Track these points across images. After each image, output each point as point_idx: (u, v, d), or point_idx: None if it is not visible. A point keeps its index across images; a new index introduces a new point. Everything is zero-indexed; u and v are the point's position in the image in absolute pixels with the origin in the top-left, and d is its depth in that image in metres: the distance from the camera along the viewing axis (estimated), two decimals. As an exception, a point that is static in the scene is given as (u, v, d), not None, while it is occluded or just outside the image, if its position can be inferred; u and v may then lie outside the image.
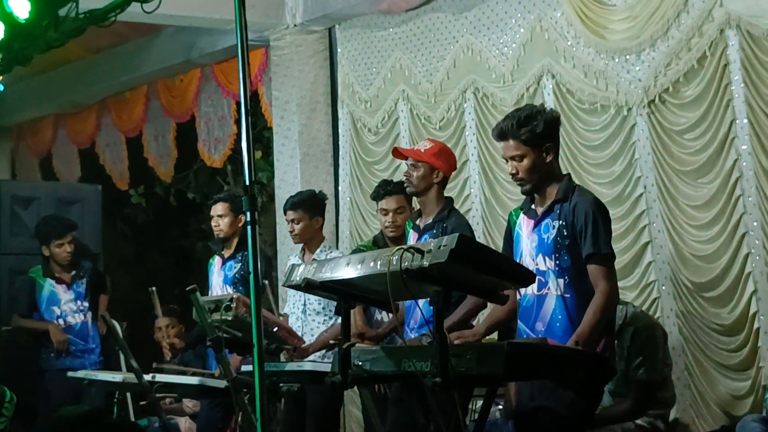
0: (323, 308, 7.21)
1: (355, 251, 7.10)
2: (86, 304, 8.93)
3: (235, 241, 7.76)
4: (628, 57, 7.27)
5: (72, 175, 13.14)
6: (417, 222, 6.28)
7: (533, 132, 5.07)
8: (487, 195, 8.26)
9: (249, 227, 4.37)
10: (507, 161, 5.20)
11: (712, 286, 6.88)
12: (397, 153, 6.60)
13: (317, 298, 6.84)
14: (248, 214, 4.41)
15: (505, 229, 5.43)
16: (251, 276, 4.38)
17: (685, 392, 6.94)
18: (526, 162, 5.10)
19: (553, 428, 4.89)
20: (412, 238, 6.24)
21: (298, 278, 4.89)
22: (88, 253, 9.42)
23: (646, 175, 7.22)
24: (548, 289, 5.02)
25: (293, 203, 7.36)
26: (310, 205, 7.36)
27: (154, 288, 8.99)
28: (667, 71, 7.05)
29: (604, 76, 7.41)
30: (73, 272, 8.95)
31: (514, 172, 5.15)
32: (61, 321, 8.83)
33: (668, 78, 7.05)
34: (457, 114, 8.52)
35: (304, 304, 7.26)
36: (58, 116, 13.29)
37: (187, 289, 5.76)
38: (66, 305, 8.85)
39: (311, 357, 6.94)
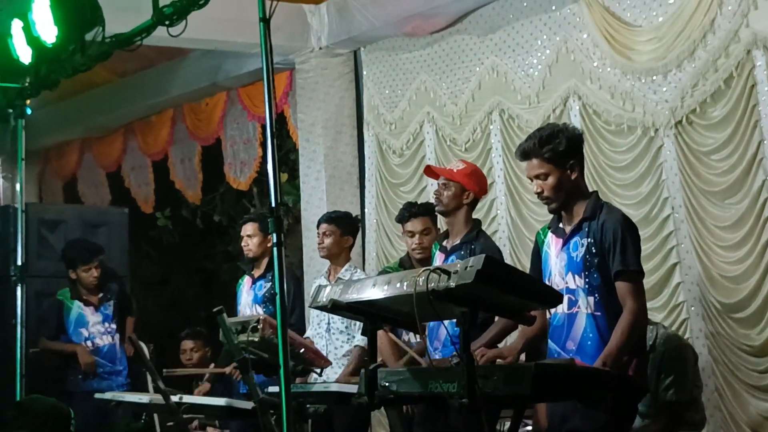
0: (346, 327, 7.25)
1: (381, 273, 7.10)
2: (113, 326, 8.94)
3: (264, 261, 7.81)
4: (654, 78, 7.25)
5: (100, 198, 13.20)
6: (444, 243, 6.27)
7: (556, 150, 5.06)
8: (514, 216, 8.25)
9: (275, 249, 4.39)
10: (532, 181, 5.19)
11: (741, 307, 6.83)
12: (430, 171, 6.63)
13: (341, 317, 6.85)
14: (274, 235, 4.44)
15: (533, 248, 5.41)
16: (278, 297, 4.40)
17: (716, 414, 6.87)
18: (550, 180, 5.09)
19: None
20: (438, 259, 6.23)
21: (324, 299, 4.88)
22: (115, 276, 9.43)
23: (673, 196, 7.19)
24: (578, 307, 4.99)
25: (329, 217, 7.52)
26: (344, 223, 7.49)
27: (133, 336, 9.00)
28: (694, 92, 7.02)
29: (630, 97, 7.39)
30: (101, 294, 8.97)
31: (539, 191, 5.14)
32: (89, 343, 8.85)
33: (695, 99, 7.02)
34: (483, 136, 8.52)
35: (328, 323, 7.31)
36: (85, 140, 13.36)
37: (214, 310, 5.75)
38: (94, 327, 8.87)
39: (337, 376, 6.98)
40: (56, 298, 8.99)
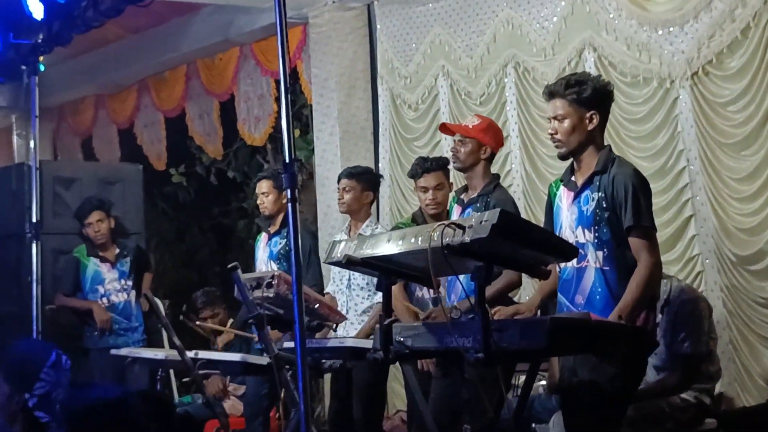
0: (367, 283, 7.22)
1: (394, 229, 7.08)
2: (130, 283, 8.95)
3: (280, 218, 7.79)
4: (671, 29, 7.18)
5: (112, 155, 13.20)
6: (461, 196, 6.27)
7: (579, 95, 5.04)
8: (528, 170, 8.22)
9: (289, 205, 4.38)
10: (550, 121, 5.16)
11: (756, 260, 6.81)
12: (445, 129, 6.62)
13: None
14: (288, 192, 4.42)
15: (546, 201, 5.39)
16: (292, 252, 4.39)
17: (730, 366, 6.86)
18: (566, 123, 5.06)
19: (596, 403, 4.86)
20: (455, 211, 6.23)
21: (338, 255, 4.87)
22: (125, 232, 9.40)
23: (688, 148, 7.15)
24: (588, 261, 4.97)
25: (349, 173, 7.46)
26: (365, 179, 7.43)
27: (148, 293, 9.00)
28: (711, 43, 6.96)
29: (646, 48, 7.33)
30: (117, 251, 8.98)
31: (553, 132, 5.12)
32: (104, 300, 8.87)
33: (711, 50, 6.96)
34: (498, 89, 8.47)
35: (349, 279, 7.28)
36: (99, 97, 13.35)
37: (229, 267, 5.76)
38: (110, 284, 8.89)
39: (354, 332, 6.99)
40: (72, 255, 9.01)
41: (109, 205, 9.05)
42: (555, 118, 5.09)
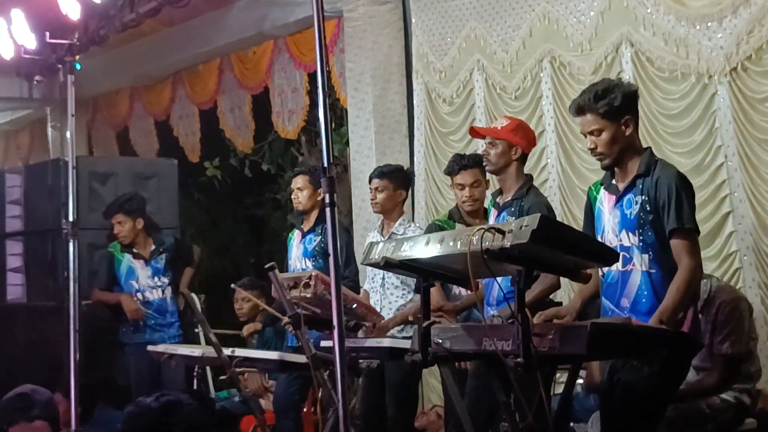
0: (401, 282, 7.23)
1: (430, 226, 7.09)
2: (165, 279, 8.98)
3: (314, 214, 7.81)
4: (709, 24, 7.12)
5: (149, 146, 13.27)
6: (497, 199, 6.25)
7: (611, 105, 5.01)
8: (564, 165, 8.18)
9: (328, 209, 4.38)
10: (586, 136, 5.14)
11: (794, 257, 6.78)
12: (474, 132, 6.58)
13: (395, 273, 6.86)
14: (327, 196, 4.42)
15: (585, 204, 5.37)
16: (331, 257, 4.40)
17: (767, 364, 6.82)
18: (604, 136, 5.04)
19: (632, 403, 4.86)
20: (492, 215, 6.23)
21: (377, 256, 4.89)
22: (155, 228, 9.38)
23: (726, 144, 7.09)
24: (633, 265, 4.96)
25: (381, 172, 7.46)
26: (397, 177, 7.44)
27: (185, 291, 9.01)
28: (750, 38, 6.89)
29: (684, 43, 7.26)
30: (153, 248, 9.01)
31: (593, 146, 5.10)
32: (139, 295, 8.90)
33: (750, 45, 6.89)
34: (534, 83, 8.42)
35: (383, 278, 7.29)
36: (134, 89, 13.40)
37: (266, 267, 5.76)
38: (144, 281, 8.92)
39: (390, 332, 6.98)
40: (107, 251, 9.06)
41: (134, 206, 9.05)
42: (591, 133, 5.07)
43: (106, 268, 9.00)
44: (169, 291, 8.98)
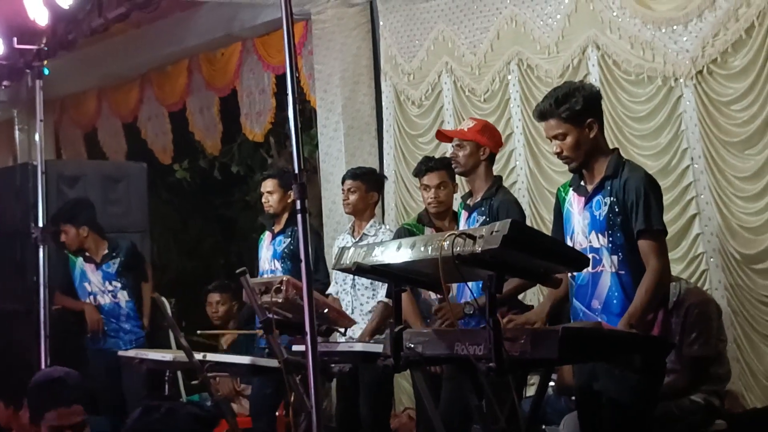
0: (371, 283, 7.25)
1: (399, 230, 7.13)
2: (117, 284, 8.81)
3: (284, 217, 7.82)
4: (675, 27, 7.18)
5: (118, 148, 13.24)
6: (467, 201, 6.30)
7: (573, 109, 5.04)
8: (532, 167, 8.23)
9: (299, 215, 4.41)
10: (551, 141, 5.18)
11: (760, 258, 6.83)
12: (441, 135, 6.62)
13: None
14: (298, 202, 4.44)
15: (554, 206, 5.40)
16: (303, 263, 4.42)
17: (734, 365, 6.86)
18: (569, 140, 5.08)
19: (619, 414, 4.88)
20: (463, 217, 6.28)
21: (348, 261, 4.90)
22: (101, 233, 9.16)
23: (693, 146, 7.16)
24: (603, 266, 4.99)
25: (354, 173, 7.53)
26: (369, 179, 7.51)
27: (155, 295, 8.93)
28: (715, 41, 6.96)
29: (650, 46, 7.33)
30: (105, 252, 8.87)
31: (558, 150, 5.13)
32: (91, 299, 8.79)
33: (716, 48, 6.96)
34: (502, 86, 8.47)
35: (353, 279, 7.30)
36: (102, 90, 13.36)
37: (237, 272, 5.77)
38: (95, 285, 8.84)
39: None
40: (64, 252, 8.97)
41: (76, 213, 8.87)
42: (555, 137, 5.10)
43: (62, 270, 8.91)
44: (123, 295, 8.83)
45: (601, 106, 5.20)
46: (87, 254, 8.84)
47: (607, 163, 5.09)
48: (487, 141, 6.25)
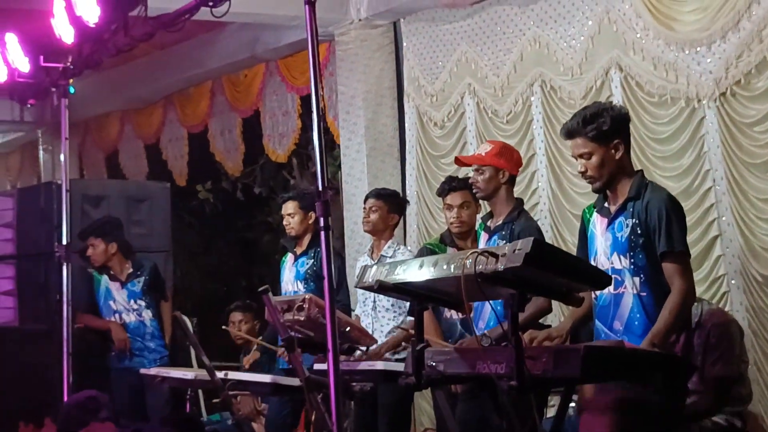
0: (392, 305, 7.27)
1: (422, 250, 7.14)
2: (142, 303, 8.88)
3: (306, 238, 7.86)
4: (698, 49, 7.16)
5: (139, 169, 13.30)
6: (488, 223, 6.30)
7: (600, 129, 5.05)
8: (555, 189, 8.22)
9: (322, 233, 4.42)
10: (576, 159, 5.18)
11: (782, 281, 6.81)
12: (460, 162, 6.63)
13: (386, 295, 6.89)
14: (321, 219, 4.46)
15: (579, 227, 5.41)
16: (326, 280, 4.44)
17: (755, 388, 6.79)
18: (594, 159, 5.08)
19: None
20: (482, 239, 6.27)
21: (370, 280, 4.91)
22: (129, 251, 9.20)
23: (715, 168, 7.13)
24: (625, 288, 5.00)
25: (378, 193, 7.59)
26: (392, 201, 7.55)
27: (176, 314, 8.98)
28: (738, 63, 6.93)
29: (674, 68, 7.31)
30: (129, 270, 8.95)
31: (583, 170, 5.14)
32: (116, 317, 8.85)
33: (739, 70, 6.93)
34: (524, 107, 8.48)
35: (374, 302, 7.33)
36: (125, 112, 13.45)
37: (260, 290, 5.78)
38: (120, 304, 8.88)
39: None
40: (87, 271, 9.03)
41: (108, 230, 8.97)
42: (581, 156, 5.11)
43: (86, 289, 8.95)
44: (148, 314, 8.90)
45: (628, 128, 5.22)
46: (111, 272, 8.88)
47: (631, 185, 5.09)
48: (505, 164, 6.25)
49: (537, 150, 8.37)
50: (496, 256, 4.27)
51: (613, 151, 5.08)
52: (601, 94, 7.78)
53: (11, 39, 7.88)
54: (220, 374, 6.48)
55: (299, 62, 10.52)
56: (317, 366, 6.33)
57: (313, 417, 5.80)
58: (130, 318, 8.86)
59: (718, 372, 6.05)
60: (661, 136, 7.47)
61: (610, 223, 5.10)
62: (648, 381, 4.65)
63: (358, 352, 6.67)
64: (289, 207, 7.86)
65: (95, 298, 8.95)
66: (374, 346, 6.96)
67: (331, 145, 10.88)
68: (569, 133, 5.15)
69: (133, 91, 12.78)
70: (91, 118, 13.77)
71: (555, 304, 6.34)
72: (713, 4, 7.05)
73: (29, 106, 9.50)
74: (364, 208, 7.53)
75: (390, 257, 7.30)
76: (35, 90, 8.17)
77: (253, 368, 8.78)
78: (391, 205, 7.48)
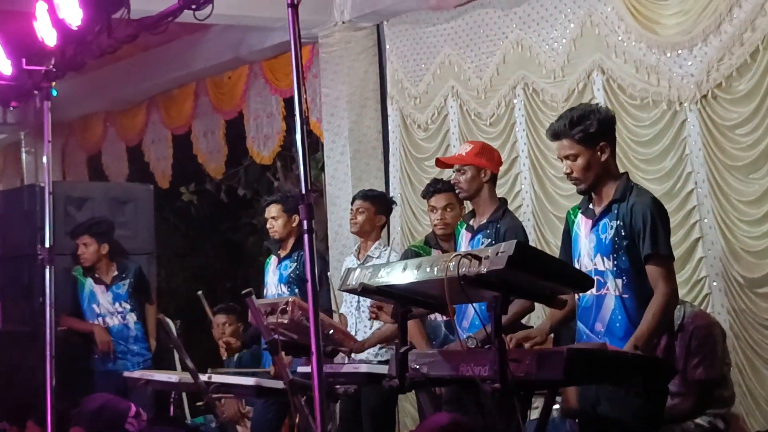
0: (376, 305, 7.27)
1: (406, 252, 7.16)
2: (127, 306, 8.89)
3: (290, 241, 7.85)
4: (680, 52, 7.20)
5: (121, 171, 13.27)
6: (470, 222, 6.30)
7: (586, 131, 5.06)
8: (538, 191, 8.25)
9: (306, 236, 4.43)
10: (562, 161, 5.20)
11: (763, 283, 6.81)
12: (441, 163, 6.65)
13: (371, 296, 6.90)
14: (305, 223, 4.46)
15: (564, 228, 5.42)
16: (309, 283, 4.44)
17: (736, 389, 6.81)
18: (580, 161, 5.09)
19: None
20: (464, 238, 6.27)
21: (354, 282, 4.92)
22: (124, 254, 9.24)
23: (697, 170, 7.17)
24: (607, 289, 5.01)
25: (365, 195, 7.58)
26: (379, 202, 7.54)
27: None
28: (720, 66, 6.97)
29: (655, 71, 7.35)
30: (114, 273, 8.95)
31: (568, 171, 5.15)
32: (100, 320, 8.85)
33: (721, 73, 6.96)
34: (507, 110, 8.50)
35: (358, 302, 7.32)
36: (108, 114, 13.42)
37: (243, 292, 5.79)
38: (103, 307, 8.87)
39: (365, 355, 7.00)
40: (72, 274, 9.02)
41: (102, 230, 8.99)
42: (566, 157, 5.12)
43: (70, 292, 8.93)
44: (132, 317, 8.89)
45: (614, 131, 5.23)
46: (96, 275, 8.87)
47: (616, 187, 5.11)
48: (486, 163, 6.27)
49: (520, 152, 8.39)
50: (479, 258, 4.29)
51: (599, 153, 5.09)
52: (584, 96, 7.81)
53: (-7, 41, 7.86)
54: (203, 377, 6.48)
55: (283, 64, 10.52)
56: (300, 368, 6.34)
57: (297, 419, 5.82)
58: (114, 321, 8.84)
59: (700, 374, 6.08)
60: (643, 139, 7.50)
61: (595, 224, 5.11)
62: (630, 384, 4.67)
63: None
64: (273, 210, 7.86)
65: (79, 300, 8.93)
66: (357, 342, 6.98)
67: (314, 148, 10.89)
68: (555, 134, 5.17)
69: (117, 93, 12.76)
70: (74, 119, 13.74)
71: (539, 304, 6.38)
72: (695, 7, 7.08)
73: (11, 108, 9.45)
74: (351, 209, 7.54)
75: (376, 258, 7.32)
76: (18, 92, 8.14)
77: (236, 362, 8.80)
78: (378, 206, 7.49)
